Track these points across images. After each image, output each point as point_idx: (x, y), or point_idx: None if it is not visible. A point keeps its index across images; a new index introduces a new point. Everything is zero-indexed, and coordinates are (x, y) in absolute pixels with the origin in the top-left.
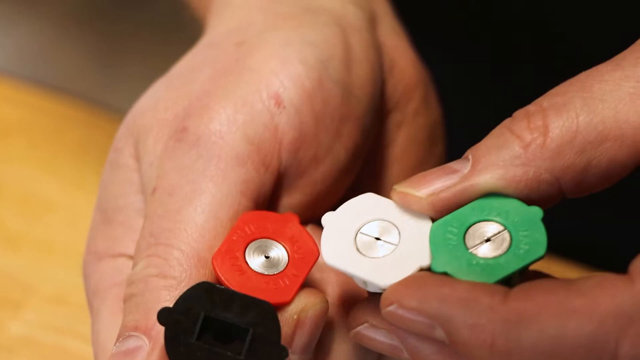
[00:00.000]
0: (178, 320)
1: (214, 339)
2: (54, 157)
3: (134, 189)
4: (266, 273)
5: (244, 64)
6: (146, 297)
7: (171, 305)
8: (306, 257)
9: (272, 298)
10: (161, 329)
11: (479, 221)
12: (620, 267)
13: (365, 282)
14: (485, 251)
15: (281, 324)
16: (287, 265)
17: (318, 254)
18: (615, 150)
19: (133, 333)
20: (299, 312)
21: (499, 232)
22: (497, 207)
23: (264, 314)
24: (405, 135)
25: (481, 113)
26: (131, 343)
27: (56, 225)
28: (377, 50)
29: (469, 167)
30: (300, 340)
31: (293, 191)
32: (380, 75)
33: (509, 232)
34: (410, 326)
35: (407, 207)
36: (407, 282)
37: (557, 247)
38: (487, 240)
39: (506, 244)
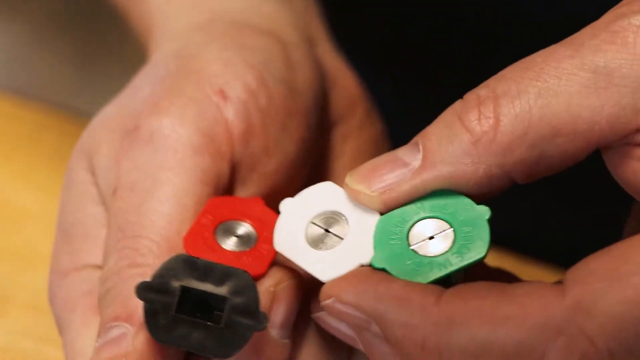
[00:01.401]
0: (156, 293)
1: (193, 310)
2: (28, 165)
3: (92, 201)
4: (238, 250)
5: (186, 69)
6: (121, 287)
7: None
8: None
9: (247, 270)
10: (142, 312)
11: (425, 218)
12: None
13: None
14: (426, 249)
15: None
16: (257, 241)
17: None
18: (567, 144)
19: (114, 323)
20: (275, 285)
21: (443, 230)
22: (444, 205)
23: (242, 283)
24: (351, 147)
25: (420, 125)
26: (114, 332)
27: (32, 233)
28: (317, 63)
29: (419, 160)
30: (278, 313)
31: (248, 183)
32: (321, 80)
33: (454, 230)
34: (348, 320)
35: (358, 202)
36: (346, 277)
37: (528, 249)
38: (431, 237)
39: (449, 242)
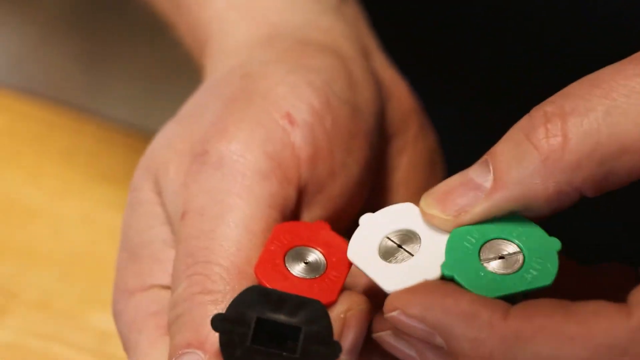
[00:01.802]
0: (231, 325)
1: (268, 341)
2: (38, 163)
3: (159, 221)
4: (308, 277)
5: (253, 92)
6: (193, 314)
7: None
8: (343, 258)
9: (318, 298)
10: (215, 341)
11: (498, 238)
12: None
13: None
14: (495, 266)
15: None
16: (326, 268)
17: None
18: (634, 162)
19: (187, 350)
20: (345, 311)
21: (514, 253)
22: (518, 230)
23: (315, 312)
24: (407, 160)
25: (474, 139)
26: (186, 359)
27: (40, 232)
28: (375, 78)
29: (490, 181)
30: (348, 339)
31: (313, 206)
32: (380, 96)
33: (524, 255)
34: (412, 332)
35: (433, 225)
36: (413, 289)
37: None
38: (501, 257)
39: (517, 265)
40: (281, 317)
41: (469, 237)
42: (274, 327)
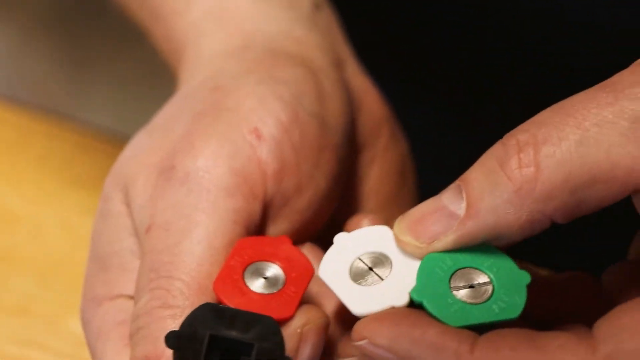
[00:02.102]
0: (185, 342)
1: (222, 357)
2: (15, 168)
3: (127, 232)
4: (266, 293)
5: (221, 106)
6: (152, 327)
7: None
8: (302, 274)
9: (274, 314)
10: (171, 355)
11: (470, 267)
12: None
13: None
14: (464, 295)
15: (285, 339)
16: (285, 283)
17: (313, 271)
18: (605, 191)
19: None
20: (302, 325)
21: (484, 283)
22: (490, 260)
23: (267, 328)
24: (377, 169)
25: (446, 144)
26: None
27: (18, 237)
28: (346, 89)
29: (463, 209)
30: (304, 353)
31: (280, 220)
32: (350, 109)
33: (493, 286)
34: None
35: (406, 252)
36: (381, 319)
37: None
38: (471, 286)
39: (486, 296)
40: (234, 334)
41: (441, 264)
42: (227, 344)
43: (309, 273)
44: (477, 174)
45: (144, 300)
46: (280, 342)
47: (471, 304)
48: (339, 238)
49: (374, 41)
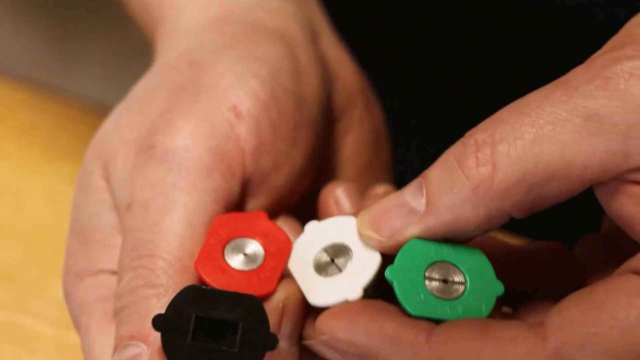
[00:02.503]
0: (172, 324)
1: (207, 337)
2: (1, 139)
3: (107, 207)
4: (247, 269)
5: (200, 83)
6: (137, 307)
7: (163, 311)
8: (281, 248)
9: (256, 291)
10: (157, 335)
11: (450, 263)
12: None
13: None
14: (435, 287)
15: (268, 314)
16: (264, 259)
17: (291, 244)
18: (561, 187)
19: (131, 342)
20: (284, 299)
21: (457, 282)
22: (471, 262)
23: (251, 306)
24: (352, 139)
25: (422, 114)
26: (130, 351)
27: (2, 206)
28: (321, 62)
29: (423, 205)
30: (287, 326)
31: (257, 196)
32: (326, 84)
33: (465, 288)
34: (342, 352)
35: (369, 245)
36: (339, 314)
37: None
38: (444, 281)
39: (455, 295)
40: (219, 314)
41: (424, 251)
42: (212, 324)
43: (288, 247)
44: (436, 172)
45: (127, 278)
46: (264, 319)
47: (438, 297)
48: (310, 227)
49: (369, 39)
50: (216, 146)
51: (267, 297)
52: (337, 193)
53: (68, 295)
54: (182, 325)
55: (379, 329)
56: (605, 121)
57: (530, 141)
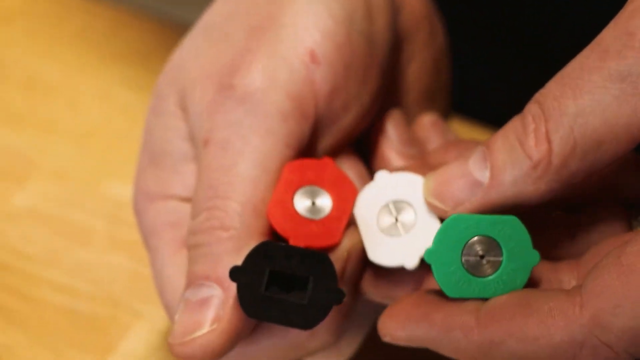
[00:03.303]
0: (247, 276)
1: (279, 290)
2: (54, 42)
3: (180, 135)
4: (314, 218)
5: (278, 21)
6: (213, 248)
7: (239, 260)
8: (347, 198)
9: (323, 241)
10: (226, 278)
11: (489, 236)
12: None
13: None
14: (471, 265)
15: (333, 263)
16: (331, 208)
17: (357, 193)
18: (612, 149)
19: (205, 282)
20: (349, 249)
21: (494, 260)
22: (509, 233)
23: (321, 263)
24: (415, 66)
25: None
26: (205, 292)
27: (58, 106)
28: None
29: (487, 179)
30: (349, 275)
31: (325, 137)
32: (394, 21)
33: (501, 263)
34: (408, 345)
35: (433, 211)
36: (395, 316)
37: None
38: (482, 257)
39: (490, 271)
40: (291, 269)
41: (463, 226)
42: (284, 278)
43: (354, 196)
44: (500, 146)
45: (202, 217)
46: (332, 275)
47: (474, 275)
48: (379, 176)
49: None
50: (293, 92)
51: (333, 246)
52: (388, 129)
53: (138, 213)
54: (257, 277)
55: (430, 322)
56: (639, 79)
57: (573, 115)
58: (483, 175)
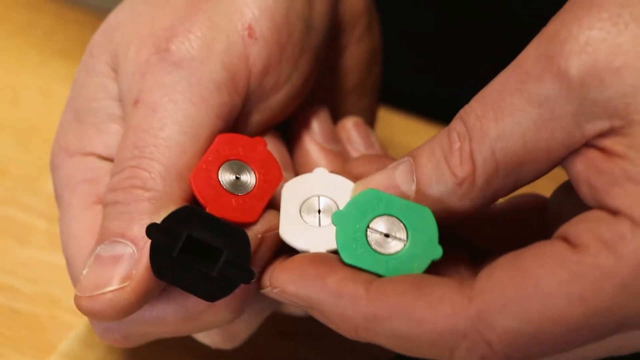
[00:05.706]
0: (163, 236)
1: (192, 257)
2: None
3: (108, 94)
4: (236, 193)
5: None
6: (131, 206)
7: (158, 221)
8: (271, 181)
9: (240, 216)
10: (147, 241)
11: (397, 218)
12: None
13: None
14: (375, 240)
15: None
16: (254, 187)
17: (281, 178)
18: (535, 169)
19: (120, 240)
20: (264, 232)
21: (398, 238)
22: (418, 221)
23: (239, 239)
24: (348, 58)
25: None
26: (118, 249)
27: None
28: None
29: (413, 192)
30: (260, 257)
31: (253, 113)
32: (334, 10)
33: (404, 246)
34: (293, 303)
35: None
36: (289, 269)
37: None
38: (386, 235)
39: (392, 251)
40: (208, 238)
41: (374, 202)
42: (199, 246)
43: (278, 180)
44: (426, 161)
45: (124, 174)
46: (247, 255)
47: (374, 250)
48: (318, 171)
49: None
50: (229, 63)
51: (248, 224)
52: (312, 122)
53: (55, 168)
54: (172, 239)
55: (322, 284)
56: (556, 106)
57: (495, 137)
58: (409, 188)
